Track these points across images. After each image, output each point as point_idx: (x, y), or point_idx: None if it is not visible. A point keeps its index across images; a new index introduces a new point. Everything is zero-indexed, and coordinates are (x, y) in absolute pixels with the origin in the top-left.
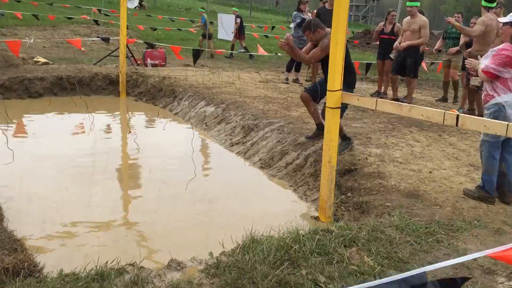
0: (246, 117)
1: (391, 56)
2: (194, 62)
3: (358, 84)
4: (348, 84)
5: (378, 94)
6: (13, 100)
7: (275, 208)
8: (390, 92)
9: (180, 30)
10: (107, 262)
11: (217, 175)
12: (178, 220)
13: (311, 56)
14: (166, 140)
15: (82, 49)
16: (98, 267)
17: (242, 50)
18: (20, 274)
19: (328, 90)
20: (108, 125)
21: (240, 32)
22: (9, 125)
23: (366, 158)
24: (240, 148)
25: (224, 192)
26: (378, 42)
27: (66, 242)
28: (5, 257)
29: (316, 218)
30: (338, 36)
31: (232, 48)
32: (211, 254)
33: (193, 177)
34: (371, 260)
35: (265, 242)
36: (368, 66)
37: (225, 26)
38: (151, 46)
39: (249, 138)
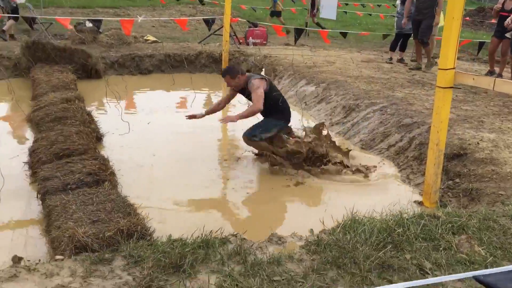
0: (347, 97)
1: (507, 35)
2: (295, 41)
3: (469, 65)
4: (284, 119)
5: (491, 74)
6: (125, 76)
7: (376, 189)
8: (505, 74)
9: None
10: (211, 231)
11: None
12: (278, 195)
13: (255, 104)
14: None
15: (187, 28)
16: (203, 235)
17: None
18: (133, 236)
19: (440, 69)
20: (211, 102)
21: (312, 8)
22: (122, 99)
23: (478, 143)
24: (340, 128)
25: (324, 171)
26: (496, 20)
27: (172, 210)
28: (120, 219)
29: (420, 203)
30: (454, 11)
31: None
32: (311, 231)
33: None
34: (482, 249)
35: (367, 223)
36: (480, 45)
37: (328, 5)
38: (254, 25)
39: (349, 118)
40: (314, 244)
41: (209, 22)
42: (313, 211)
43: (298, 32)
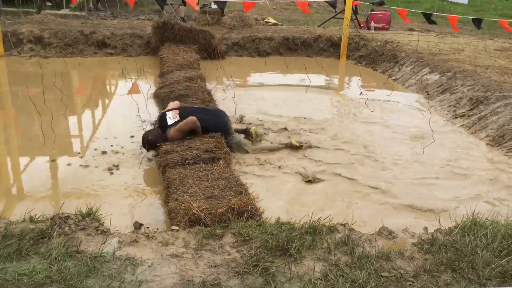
0: (476, 88)
1: None
2: (430, 22)
3: None
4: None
5: None
6: (244, 57)
7: (501, 192)
8: None
9: None
10: (320, 218)
11: (436, 148)
12: (391, 189)
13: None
14: (384, 107)
15: (309, 11)
16: (311, 222)
17: None
18: (243, 215)
19: None
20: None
21: None
22: (239, 80)
23: None
24: (464, 121)
25: (442, 166)
26: None
27: (282, 195)
28: (232, 198)
29: None
30: None
31: None
32: (426, 229)
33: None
34: None
35: (490, 227)
36: None
37: None
38: (376, 5)
39: (476, 111)
40: (428, 243)
41: (332, 4)
42: (429, 207)
43: (426, 16)
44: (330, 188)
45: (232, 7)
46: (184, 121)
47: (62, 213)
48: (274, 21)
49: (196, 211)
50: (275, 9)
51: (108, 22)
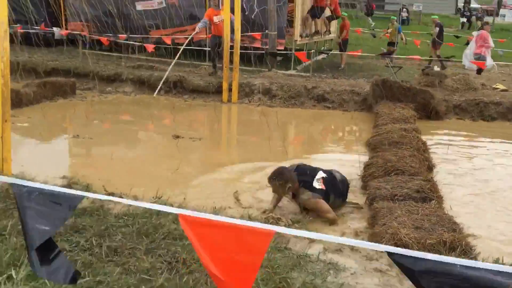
0: None
1: None
2: None
3: None
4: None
5: None
6: (466, 120)
7: None
8: None
9: None
10: None
11: None
12: None
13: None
14: None
15: None
16: None
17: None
18: (455, 250)
19: None
20: None
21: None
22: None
23: None
24: None
25: None
26: None
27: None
28: (444, 233)
29: None
30: None
31: None
32: None
33: None
34: None
35: None
36: None
37: None
38: None
39: None
40: None
41: None
42: None
43: None
44: None
45: (456, 70)
46: (319, 208)
47: (276, 215)
48: (504, 87)
49: (404, 237)
50: (504, 80)
51: (328, 80)
